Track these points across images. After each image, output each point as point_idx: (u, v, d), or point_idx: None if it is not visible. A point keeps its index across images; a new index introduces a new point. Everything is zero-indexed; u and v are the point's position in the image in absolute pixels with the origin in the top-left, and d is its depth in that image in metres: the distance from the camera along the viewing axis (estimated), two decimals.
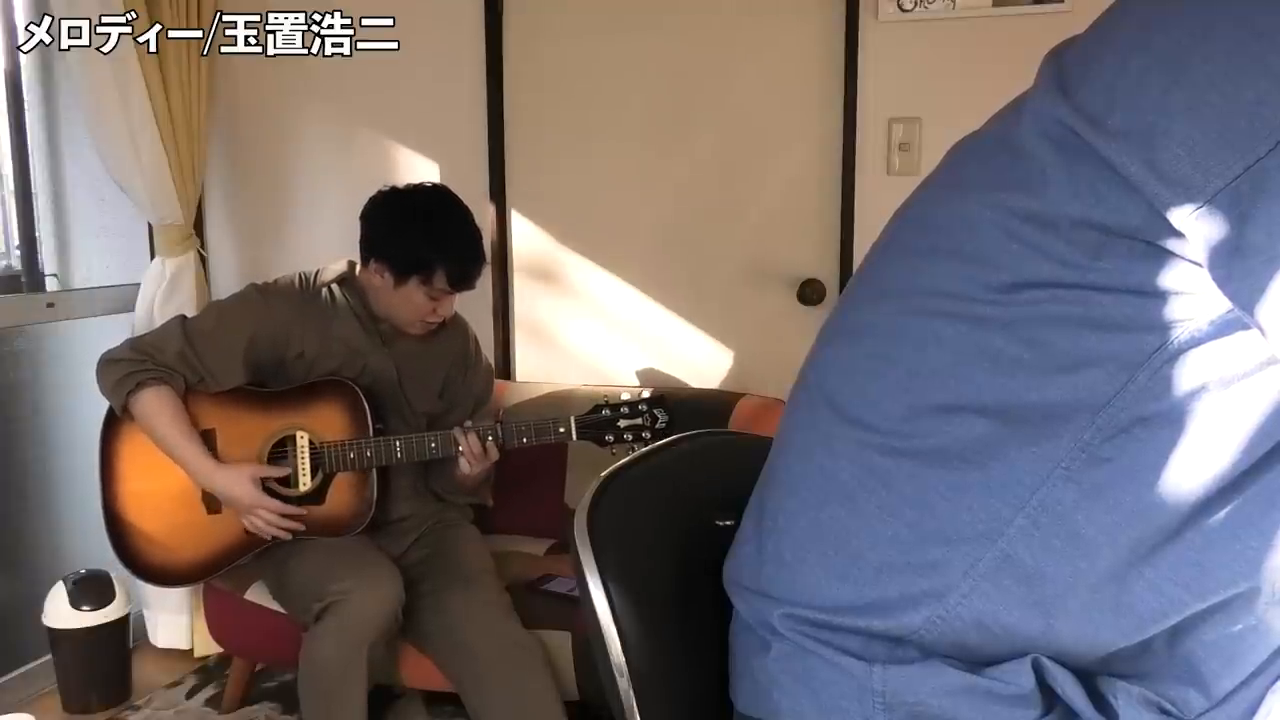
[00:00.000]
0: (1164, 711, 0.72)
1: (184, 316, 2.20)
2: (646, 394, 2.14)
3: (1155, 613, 0.69)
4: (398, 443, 2.08)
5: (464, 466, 2.10)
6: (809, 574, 0.75)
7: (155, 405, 2.07)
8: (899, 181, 2.43)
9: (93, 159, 2.67)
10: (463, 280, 2.10)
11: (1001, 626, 0.70)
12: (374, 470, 2.13)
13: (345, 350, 2.17)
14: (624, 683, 0.81)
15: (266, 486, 2.11)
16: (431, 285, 2.08)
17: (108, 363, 2.10)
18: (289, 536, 2.10)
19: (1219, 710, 0.73)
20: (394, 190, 2.14)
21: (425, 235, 2.08)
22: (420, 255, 2.07)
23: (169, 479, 2.13)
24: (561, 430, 2.08)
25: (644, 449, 1.01)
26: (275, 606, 2.21)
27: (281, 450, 2.14)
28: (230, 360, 2.12)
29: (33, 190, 2.86)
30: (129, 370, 2.06)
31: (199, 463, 2.07)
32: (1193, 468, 0.65)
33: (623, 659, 0.81)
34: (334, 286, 2.20)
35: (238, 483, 2.06)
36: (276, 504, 2.08)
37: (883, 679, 0.71)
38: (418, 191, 2.14)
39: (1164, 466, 0.65)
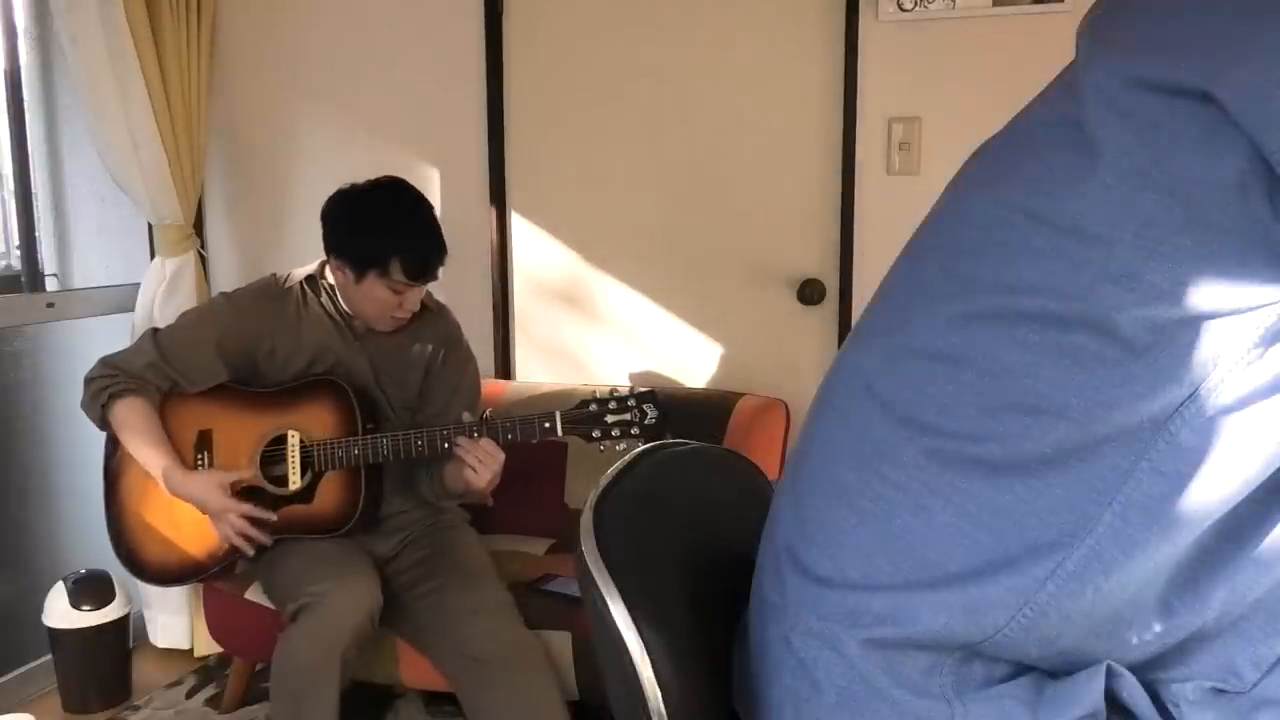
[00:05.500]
0: (1220, 691, 0.72)
1: (155, 329, 2.23)
2: (637, 389, 2.08)
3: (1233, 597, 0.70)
4: (385, 440, 2.08)
5: (470, 478, 2.02)
6: (885, 590, 0.72)
7: (125, 416, 2.10)
8: (899, 181, 2.43)
9: (93, 159, 2.68)
10: (421, 272, 2.06)
11: (1084, 615, 0.69)
12: (363, 471, 2.12)
13: (315, 347, 2.17)
14: None
15: (255, 488, 2.11)
16: (390, 278, 2.05)
17: (85, 382, 2.15)
18: (250, 551, 2.09)
19: (1271, 677, 0.72)
20: (351, 187, 2.12)
21: (380, 229, 2.05)
22: (376, 249, 2.04)
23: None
24: (547, 425, 2.03)
25: (623, 462, 0.98)
26: (274, 607, 2.21)
27: (275, 449, 2.14)
28: (202, 362, 2.15)
29: (33, 190, 2.87)
30: (101, 386, 2.11)
31: (169, 470, 2.08)
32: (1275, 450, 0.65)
33: (662, 707, 0.79)
34: (304, 285, 2.21)
35: (205, 489, 2.07)
36: (245, 507, 2.07)
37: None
38: (373, 187, 2.12)
39: (1243, 454, 0.64)
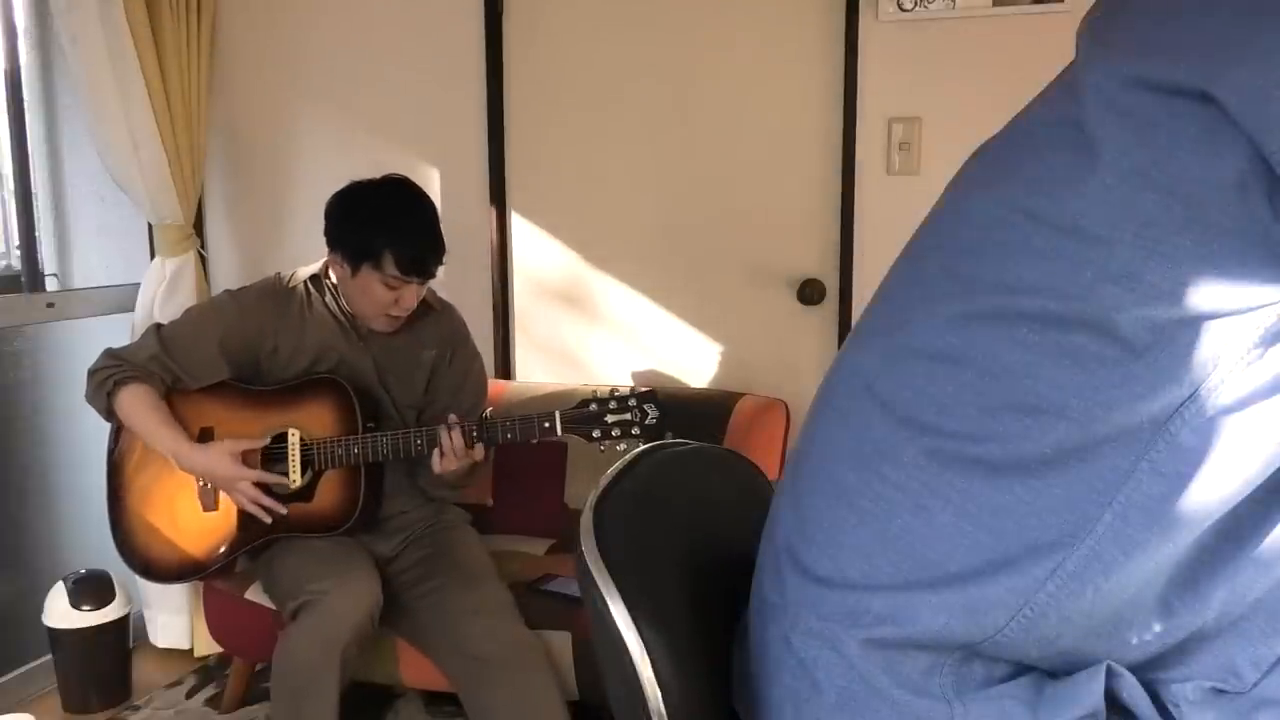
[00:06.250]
0: (1220, 692, 0.72)
1: (159, 324, 2.24)
2: (637, 389, 2.08)
3: (1232, 598, 0.70)
4: (384, 439, 2.08)
5: (435, 463, 2.05)
6: (885, 590, 0.72)
7: (132, 401, 2.10)
8: (899, 181, 2.43)
9: (93, 159, 2.68)
10: (415, 266, 2.05)
11: (1084, 616, 0.69)
12: (363, 470, 2.13)
13: (319, 346, 2.18)
14: None
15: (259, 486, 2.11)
16: (383, 272, 2.05)
17: (89, 374, 2.15)
18: (268, 519, 2.11)
19: (1271, 677, 0.72)
20: (354, 183, 2.13)
21: (375, 222, 2.06)
22: (369, 241, 2.05)
23: (167, 476, 2.16)
24: (546, 425, 2.02)
25: (623, 462, 0.97)
26: (275, 606, 2.21)
27: (276, 447, 2.14)
28: (203, 358, 2.15)
29: (33, 190, 2.87)
30: (106, 375, 2.11)
31: (178, 446, 2.09)
32: (1272, 454, 0.65)
33: (662, 707, 0.80)
34: (308, 284, 2.22)
35: (216, 459, 2.08)
36: (255, 474, 2.08)
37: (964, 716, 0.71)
38: (375, 182, 2.12)
39: (1243, 454, 0.65)
